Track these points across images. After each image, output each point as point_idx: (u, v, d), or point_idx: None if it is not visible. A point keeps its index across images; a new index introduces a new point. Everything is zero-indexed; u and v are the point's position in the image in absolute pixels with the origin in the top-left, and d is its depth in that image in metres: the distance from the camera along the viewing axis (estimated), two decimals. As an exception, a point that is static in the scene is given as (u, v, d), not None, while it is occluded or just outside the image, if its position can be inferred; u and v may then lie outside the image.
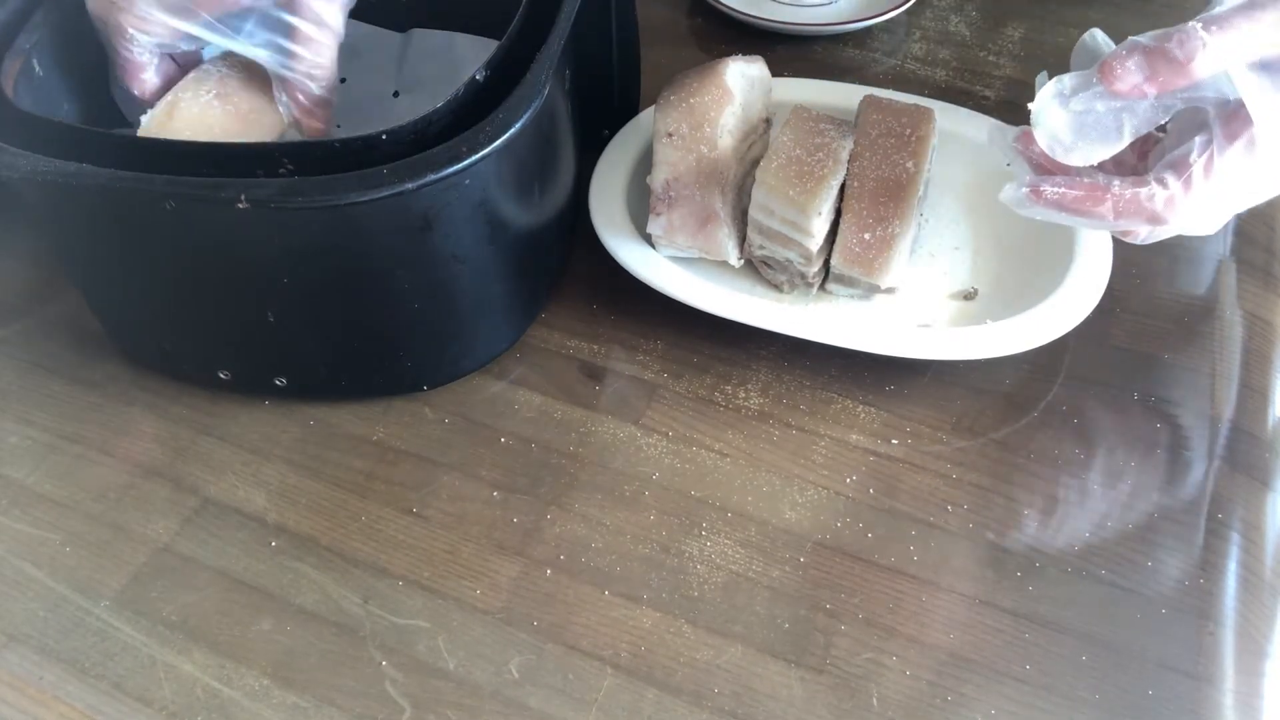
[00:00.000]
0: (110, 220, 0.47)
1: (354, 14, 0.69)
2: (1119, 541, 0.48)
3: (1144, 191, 0.42)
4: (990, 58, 0.74)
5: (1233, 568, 0.47)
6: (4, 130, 0.46)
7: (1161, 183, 0.42)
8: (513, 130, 0.45)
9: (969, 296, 0.56)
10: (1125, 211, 0.43)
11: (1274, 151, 0.40)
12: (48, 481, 0.52)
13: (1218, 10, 0.39)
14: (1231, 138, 0.40)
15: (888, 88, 0.63)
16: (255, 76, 0.52)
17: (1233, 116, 0.40)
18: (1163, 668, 0.44)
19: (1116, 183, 0.43)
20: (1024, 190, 0.44)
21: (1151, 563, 0.47)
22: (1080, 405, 0.53)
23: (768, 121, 0.61)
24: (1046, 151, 0.43)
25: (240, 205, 0.42)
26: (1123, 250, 0.55)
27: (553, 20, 0.50)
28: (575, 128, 0.57)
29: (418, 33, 0.68)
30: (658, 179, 0.55)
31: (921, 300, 0.57)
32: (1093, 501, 0.49)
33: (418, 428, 0.53)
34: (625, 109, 0.65)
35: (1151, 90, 0.40)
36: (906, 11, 0.76)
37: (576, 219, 0.59)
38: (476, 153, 0.44)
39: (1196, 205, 0.42)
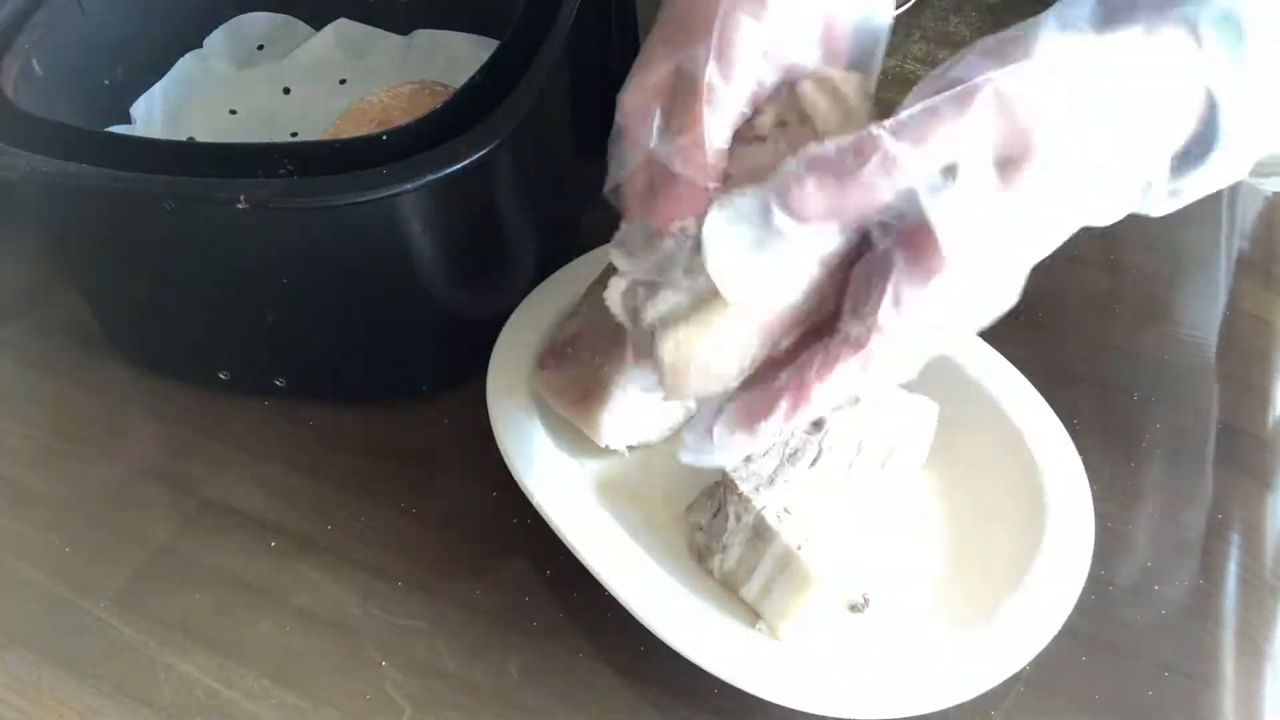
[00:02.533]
0: (109, 221, 0.47)
1: (354, 14, 0.69)
2: (1118, 542, 0.47)
3: (827, 353, 0.32)
4: (990, 58, 0.74)
5: (1233, 569, 0.47)
6: (3, 130, 0.46)
7: (847, 337, 0.32)
8: (512, 131, 0.45)
9: (856, 608, 0.43)
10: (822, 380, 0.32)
11: (965, 281, 0.31)
12: (47, 482, 0.52)
13: (917, 105, 0.31)
14: (915, 263, 0.30)
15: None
16: (418, 107, 0.50)
17: (916, 236, 0.31)
18: (1162, 669, 0.43)
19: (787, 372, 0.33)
20: (706, 430, 0.34)
21: (1151, 563, 0.47)
22: (1079, 405, 0.53)
23: None
24: (720, 287, 0.32)
25: (240, 206, 0.42)
26: (1123, 250, 0.55)
27: (552, 21, 0.50)
28: (574, 129, 0.57)
29: (419, 34, 0.68)
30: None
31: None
32: (1091, 502, 0.49)
33: (417, 428, 0.53)
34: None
35: (841, 219, 0.31)
36: (906, 11, 0.76)
37: (578, 218, 0.59)
38: (476, 154, 0.44)
39: (894, 352, 0.32)
